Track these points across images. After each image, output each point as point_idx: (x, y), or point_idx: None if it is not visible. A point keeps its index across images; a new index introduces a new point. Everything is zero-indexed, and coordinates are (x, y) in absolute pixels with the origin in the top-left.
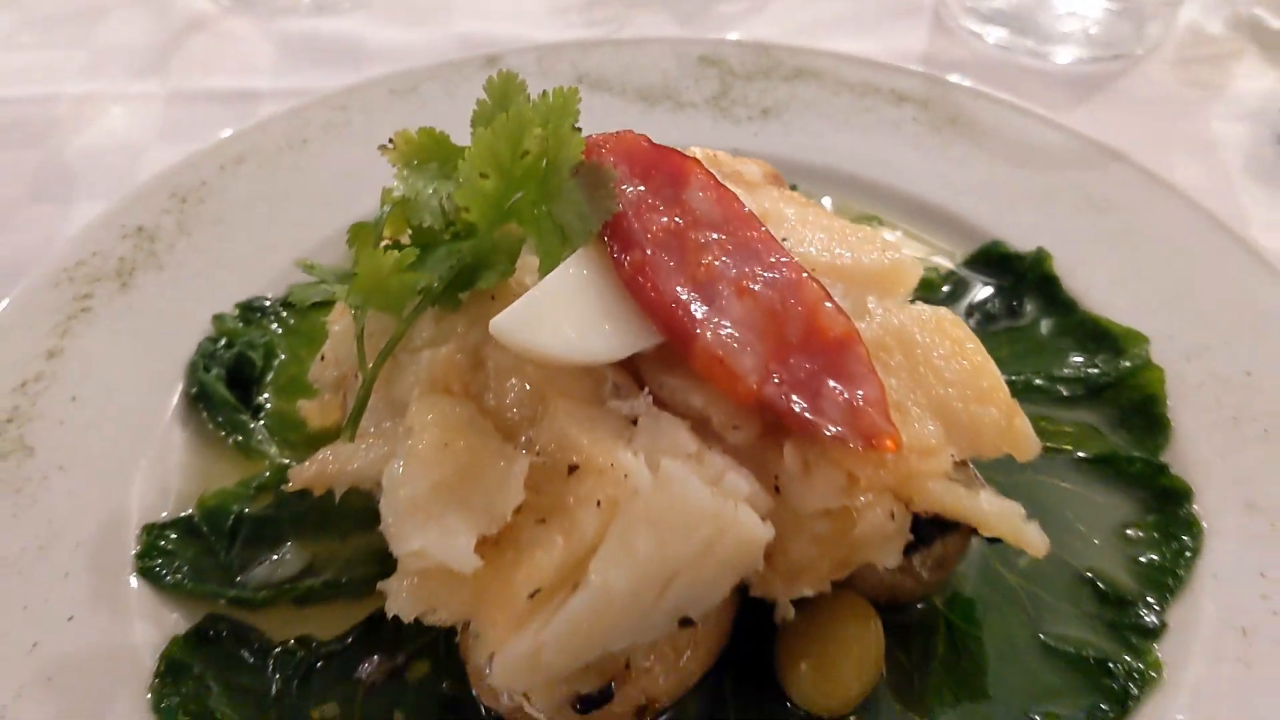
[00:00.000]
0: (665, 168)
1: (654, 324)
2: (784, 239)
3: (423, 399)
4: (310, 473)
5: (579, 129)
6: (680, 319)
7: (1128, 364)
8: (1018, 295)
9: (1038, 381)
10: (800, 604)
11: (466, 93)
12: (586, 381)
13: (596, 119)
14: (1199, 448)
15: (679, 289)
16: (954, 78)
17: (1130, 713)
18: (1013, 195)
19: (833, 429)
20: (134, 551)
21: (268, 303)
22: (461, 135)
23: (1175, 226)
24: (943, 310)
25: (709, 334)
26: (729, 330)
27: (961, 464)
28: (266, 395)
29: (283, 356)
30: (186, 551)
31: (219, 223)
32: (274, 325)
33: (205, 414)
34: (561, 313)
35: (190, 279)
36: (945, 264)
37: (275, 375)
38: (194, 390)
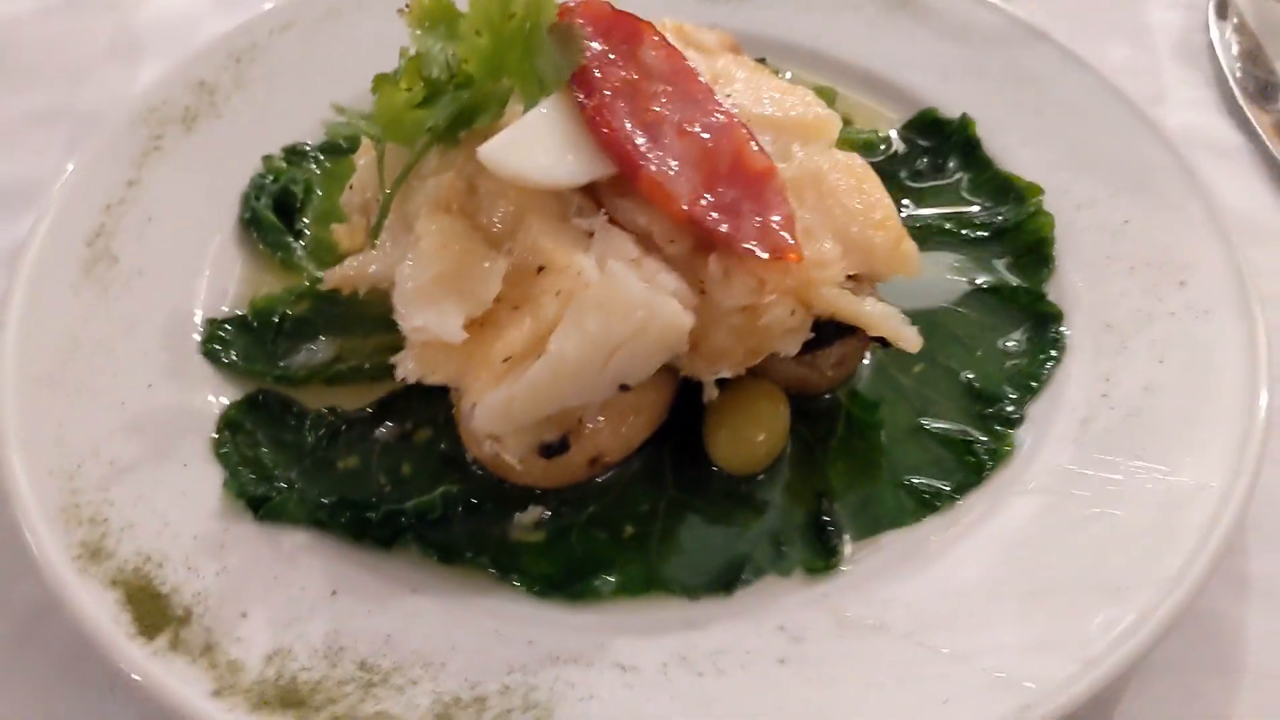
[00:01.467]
0: (623, 29)
1: (609, 156)
2: (728, 94)
3: (428, 215)
4: (339, 275)
5: None
6: (629, 152)
7: (1026, 211)
8: (944, 155)
9: (948, 225)
10: (723, 387)
11: None
12: (555, 202)
13: None
14: (1074, 281)
15: (630, 128)
16: None
17: (985, 480)
18: (948, 69)
19: (747, 243)
20: (198, 338)
21: (308, 147)
22: (464, 3)
23: (1084, 99)
24: (853, 155)
25: (652, 165)
26: (669, 163)
27: (856, 279)
28: (306, 222)
29: (319, 192)
30: (240, 341)
31: (268, 79)
32: (313, 166)
33: (256, 235)
34: (536, 144)
35: (244, 125)
36: (888, 131)
37: (313, 207)
38: (246, 216)
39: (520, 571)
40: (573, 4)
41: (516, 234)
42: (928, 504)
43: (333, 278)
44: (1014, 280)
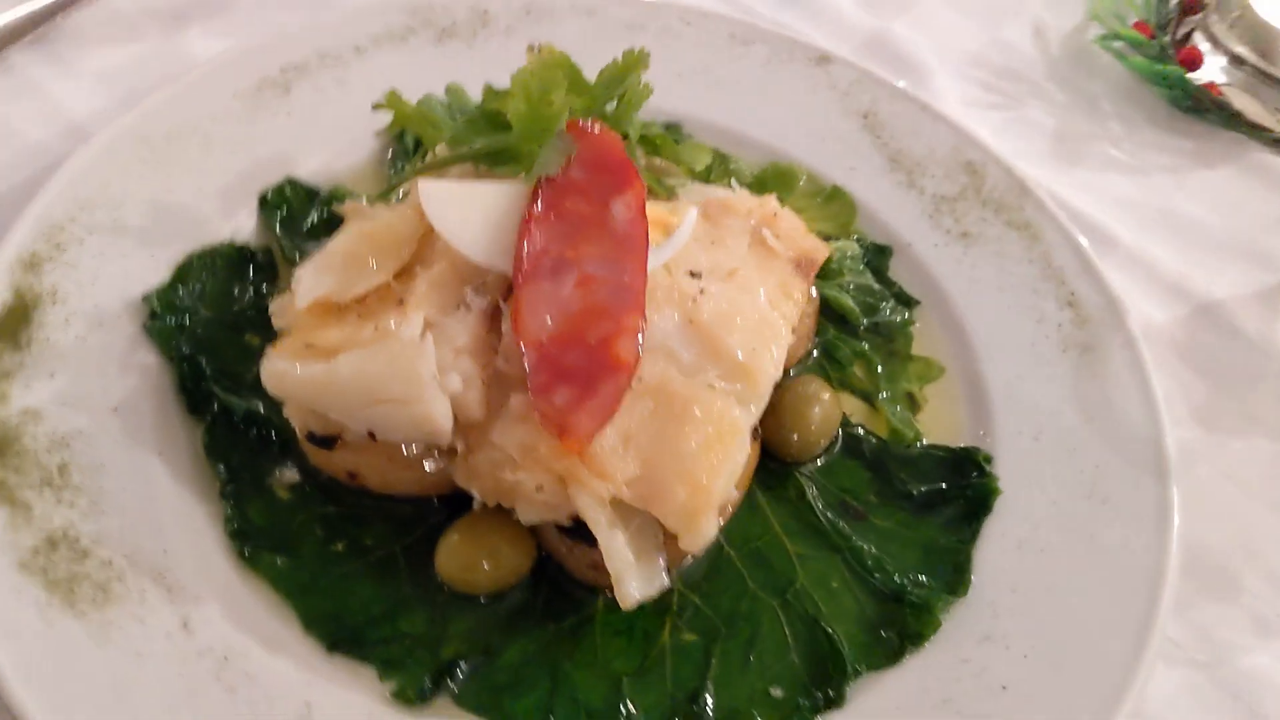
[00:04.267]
0: (615, 174)
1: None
2: (704, 289)
3: (396, 210)
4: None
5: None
6: (523, 263)
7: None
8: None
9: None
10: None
11: None
12: (472, 269)
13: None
14: None
15: (543, 249)
16: None
17: None
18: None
19: (542, 405)
20: None
21: None
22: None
23: None
24: (737, 422)
25: (531, 287)
26: (547, 298)
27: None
28: None
29: None
30: None
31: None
32: None
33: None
34: (472, 208)
35: None
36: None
37: None
38: None
39: None
40: (594, 127)
41: (429, 266)
42: None
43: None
44: None
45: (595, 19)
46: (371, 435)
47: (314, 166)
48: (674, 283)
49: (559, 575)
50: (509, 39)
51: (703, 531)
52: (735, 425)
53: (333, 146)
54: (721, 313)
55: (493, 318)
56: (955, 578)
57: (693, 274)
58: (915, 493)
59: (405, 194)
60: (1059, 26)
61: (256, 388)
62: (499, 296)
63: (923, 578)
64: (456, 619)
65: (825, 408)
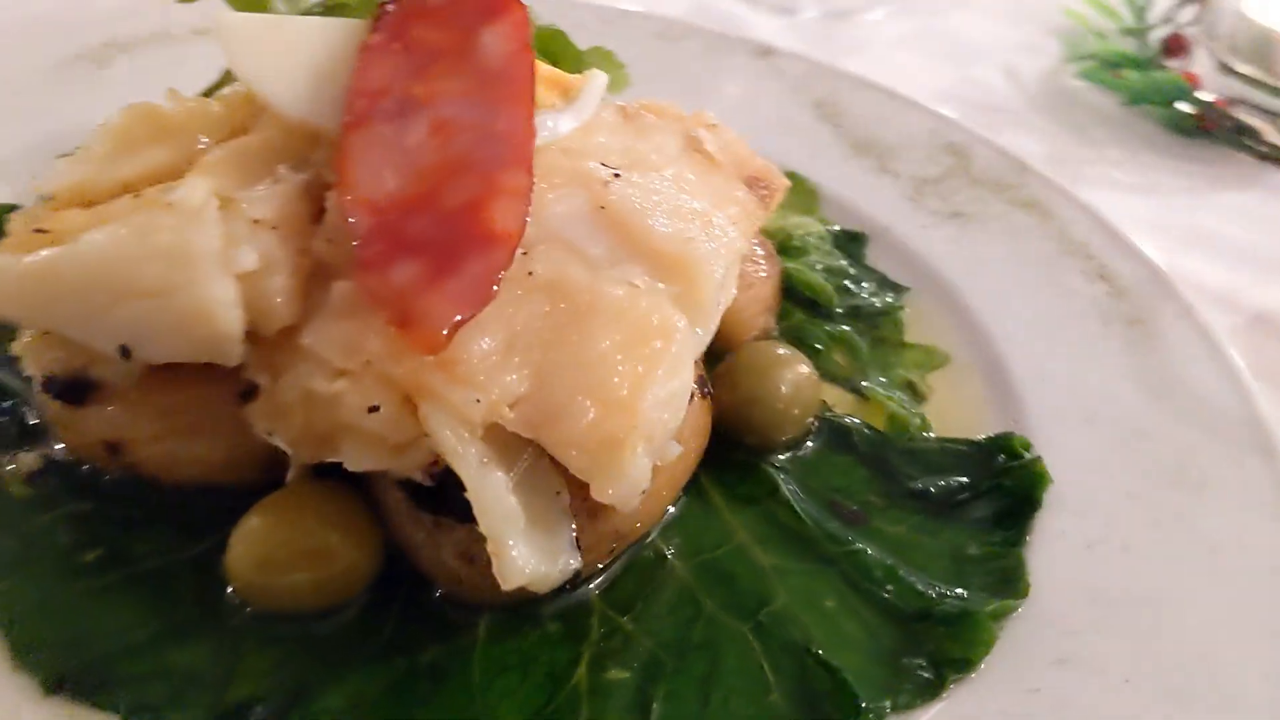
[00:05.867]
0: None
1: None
2: (619, 171)
3: (186, 100)
4: None
5: None
6: (354, 102)
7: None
8: (980, 492)
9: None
10: (309, 482)
11: None
12: (293, 142)
13: None
14: None
15: (386, 84)
16: None
17: None
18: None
19: (375, 288)
20: None
21: None
22: None
23: None
24: (673, 320)
25: (363, 133)
26: (386, 147)
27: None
28: None
29: None
30: None
31: None
32: None
33: None
34: (292, 48)
35: None
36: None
37: None
38: None
39: None
40: None
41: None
42: None
43: None
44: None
45: None
46: (125, 353)
47: None
48: (576, 166)
49: (417, 585)
50: None
51: (625, 472)
52: (667, 324)
53: None
54: (643, 201)
55: (315, 198)
56: (1005, 587)
57: (604, 165)
58: (930, 490)
59: None
60: (1033, 67)
61: None
62: (325, 170)
63: (959, 590)
64: (254, 649)
65: (798, 375)
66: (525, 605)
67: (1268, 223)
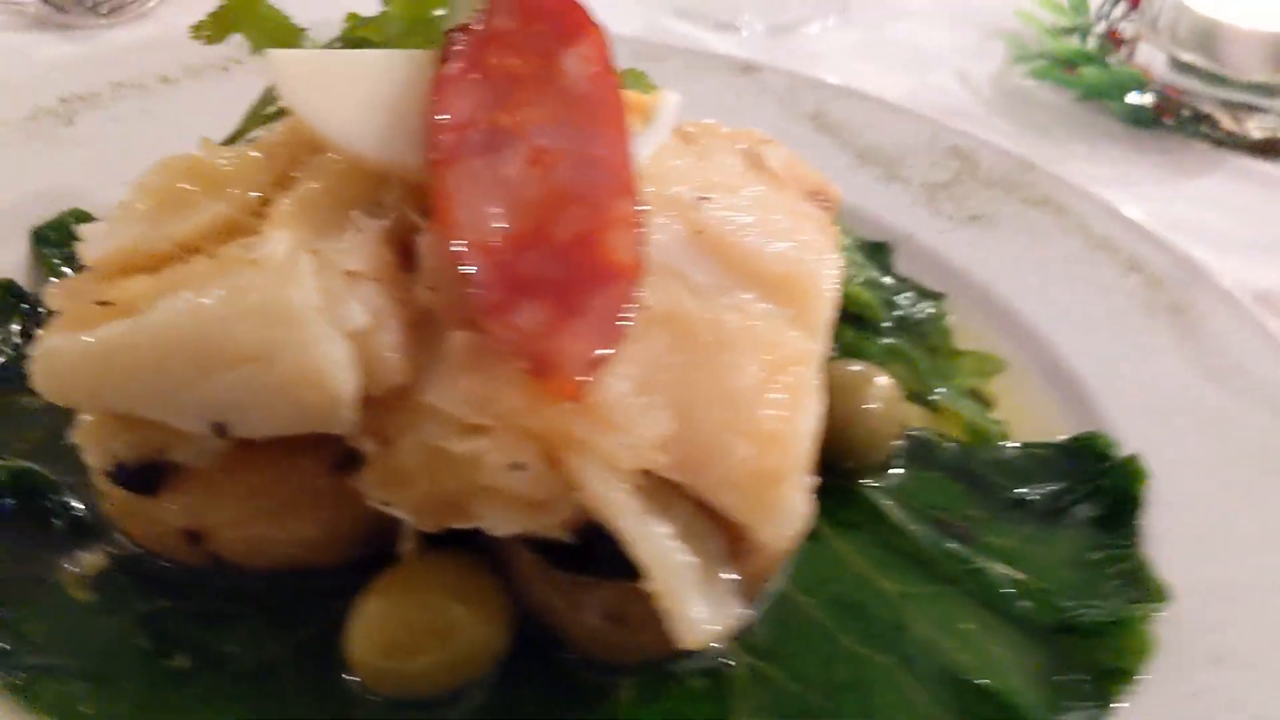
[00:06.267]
0: (560, 21)
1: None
2: (705, 194)
3: (211, 148)
4: None
5: None
6: (440, 137)
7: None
8: (1075, 497)
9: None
10: (427, 553)
11: None
12: (360, 187)
13: None
14: None
15: (471, 115)
16: None
17: None
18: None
19: (500, 335)
20: None
21: None
22: None
23: None
24: (806, 348)
25: (457, 169)
26: (485, 182)
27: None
28: None
29: None
30: None
31: None
32: None
33: None
34: (353, 84)
35: None
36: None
37: None
38: None
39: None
40: None
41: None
42: None
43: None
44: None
45: None
46: (220, 431)
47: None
48: (661, 192)
49: (553, 653)
50: None
51: (786, 508)
52: (801, 349)
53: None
54: (738, 224)
55: (398, 244)
56: (1137, 589)
57: (689, 189)
58: (1032, 499)
59: None
60: (983, 71)
61: (31, 453)
62: (407, 212)
63: (1096, 602)
64: None
65: (886, 393)
66: (665, 661)
67: (1239, 208)
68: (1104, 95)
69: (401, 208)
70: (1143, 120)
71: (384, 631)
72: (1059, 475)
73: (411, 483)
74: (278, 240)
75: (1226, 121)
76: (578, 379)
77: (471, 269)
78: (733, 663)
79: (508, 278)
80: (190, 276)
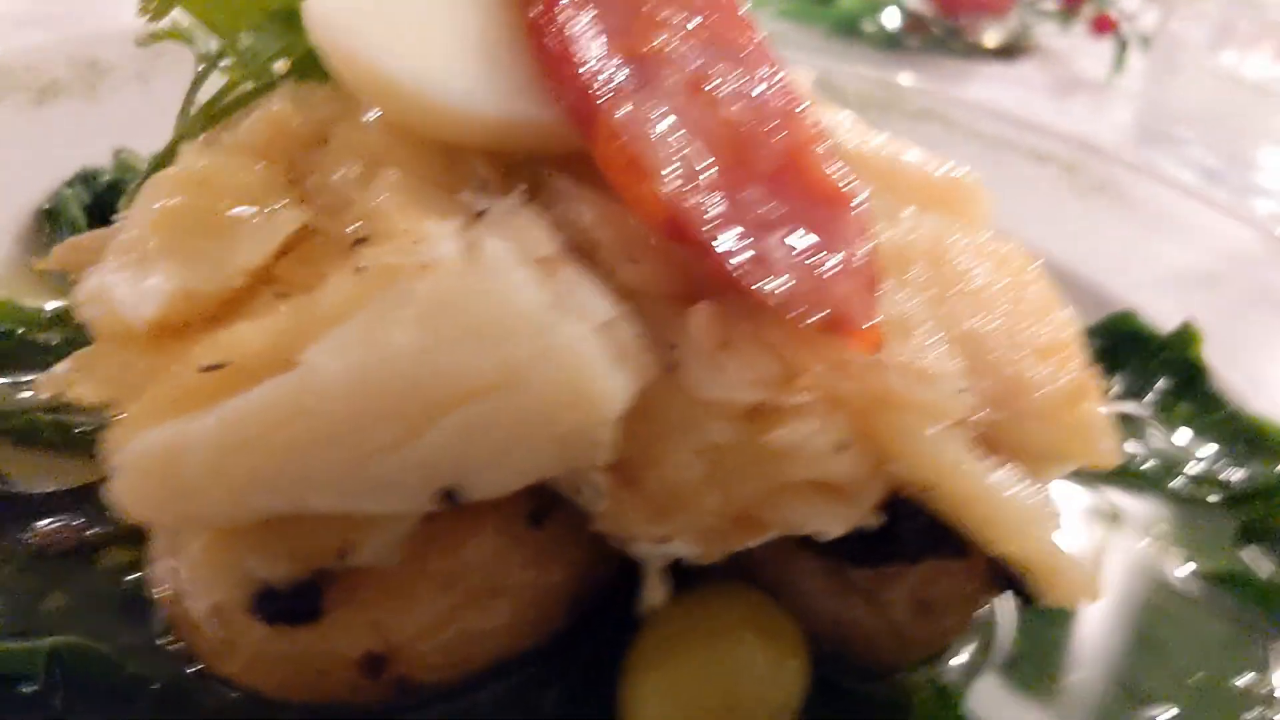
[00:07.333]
0: None
1: (550, 87)
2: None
3: (202, 148)
4: (62, 250)
5: None
6: (583, 81)
7: None
8: (1146, 376)
9: (1148, 472)
10: (684, 596)
11: None
12: (440, 165)
13: None
14: None
15: (599, 52)
16: None
17: None
18: (1160, 272)
19: (773, 285)
20: None
21: None
22: None
23: None
24: (1015, 248)
25: (621, 110)
26: (657, 120)
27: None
28: None
29: None
30: None
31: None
32: None
33: (48, 231)
34: (424, 25)
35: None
36: None
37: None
38: (47, 206)
39: None
40: None
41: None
42: None
43: (58, 253)
44: (1262, 572)
45: None
46: (450, 499)
47: None
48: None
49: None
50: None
51: (1098, 424)
52: (1023, 255)
53: None
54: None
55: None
56: None
57: None
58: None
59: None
60: None
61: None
62: (547, 178)
63: None
64: None
65: None
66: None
67: (1017, 103)
68: (856, 21)
69: (512, 181)
70: (892, 42)
71: (673, 704)
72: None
73: (693, 501)
74: (431, 233)
75: (968, 32)
76: (875, 326)
77: (696, 223)
78: None
79: (743, 221)
80: (329, 305)
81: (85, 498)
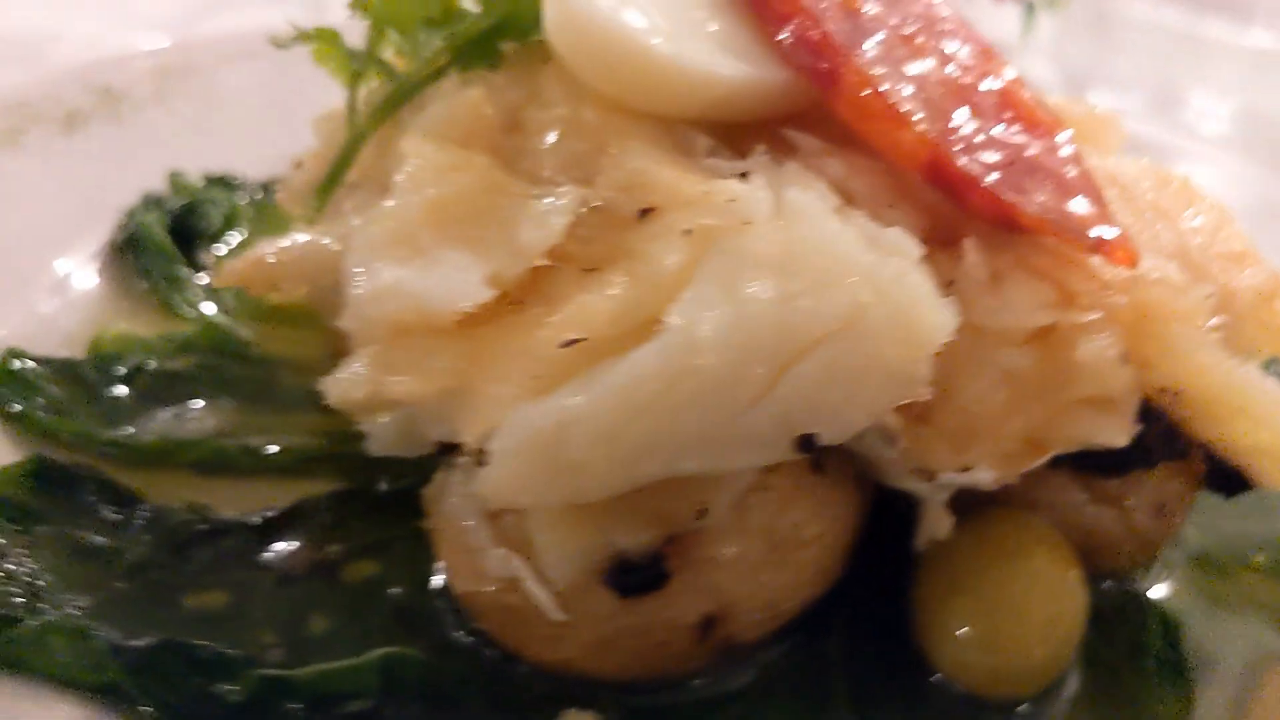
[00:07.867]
0: None
1: (783, 48)
2: None
3: (421, 143)
4: (243, 265)
5: None
6: (824, 38)
7: None
8: None
9: None
10: (961, 525)
11: None
12: (666, 138)
13: None
14: None
15: (829, 10)
16: None
17: None
18: None
19: (1044, 212)
20: None
21: (239, 182)
22: None
23: None
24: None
25: (864, 62)
26: (898, 70)
27: None
28: (215, 258)
29: (245, 230)
30: (52, 387)
31: (200, 99)
32: (242, 198)
33: (132, 259)
34: (663, 6)
35: (152, 140)
36: None
37: (232, 248)
38: (123, 237)
39: None
40: None
41: (593, 174)
42: None
43: (233, 270)
44: None
45: None
46: (808, 446)
47: None
48: None
49: None
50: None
51: None
52: (1173, 173)
53: None
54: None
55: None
56: None
57: None
58: None
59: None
60: None
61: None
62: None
63: None
64: None
65: None
66: None
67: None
68: None
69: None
70: None
71: (989, 624)
72: None
73: (995, 428)
74: (737, 191)
75: None
76: (1127, 242)
77: (958, 160)
78: None
79: (991, 156)
80: (666, 269)
81: (298, 517)
